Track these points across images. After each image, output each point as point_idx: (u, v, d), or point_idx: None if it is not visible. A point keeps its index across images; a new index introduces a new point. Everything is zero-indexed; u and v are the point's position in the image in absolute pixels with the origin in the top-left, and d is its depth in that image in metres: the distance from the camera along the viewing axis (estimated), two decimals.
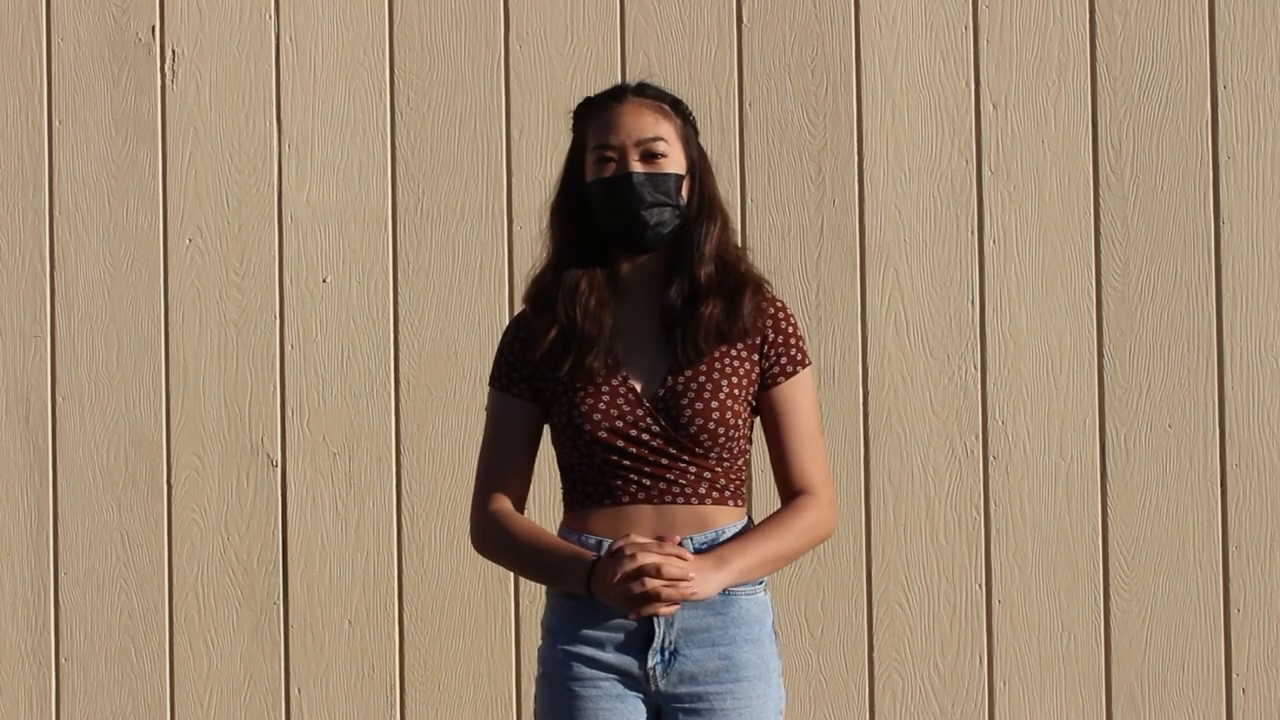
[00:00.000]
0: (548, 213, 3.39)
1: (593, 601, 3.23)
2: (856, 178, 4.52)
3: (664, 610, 3.16)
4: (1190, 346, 4.48)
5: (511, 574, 4.45)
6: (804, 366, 3.35)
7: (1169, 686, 4.46)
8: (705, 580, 3.18)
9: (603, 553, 3.21)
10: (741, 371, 3.30)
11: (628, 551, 3.15)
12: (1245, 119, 4.50)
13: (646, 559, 3.13)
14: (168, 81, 4.58)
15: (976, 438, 4.48)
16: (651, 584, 3.13)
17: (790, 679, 4.41)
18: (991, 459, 4.48)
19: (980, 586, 4.48)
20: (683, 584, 3.14)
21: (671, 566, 3.14)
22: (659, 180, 3.28)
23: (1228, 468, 4.47)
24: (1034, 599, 4.47)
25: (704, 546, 3.25)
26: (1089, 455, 4.48)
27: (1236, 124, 4.50)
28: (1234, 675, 4.46)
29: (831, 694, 4.47)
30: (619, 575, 3.13)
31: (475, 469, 3.39)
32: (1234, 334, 4.48)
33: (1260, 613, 4.46)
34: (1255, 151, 4.50)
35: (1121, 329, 4.49)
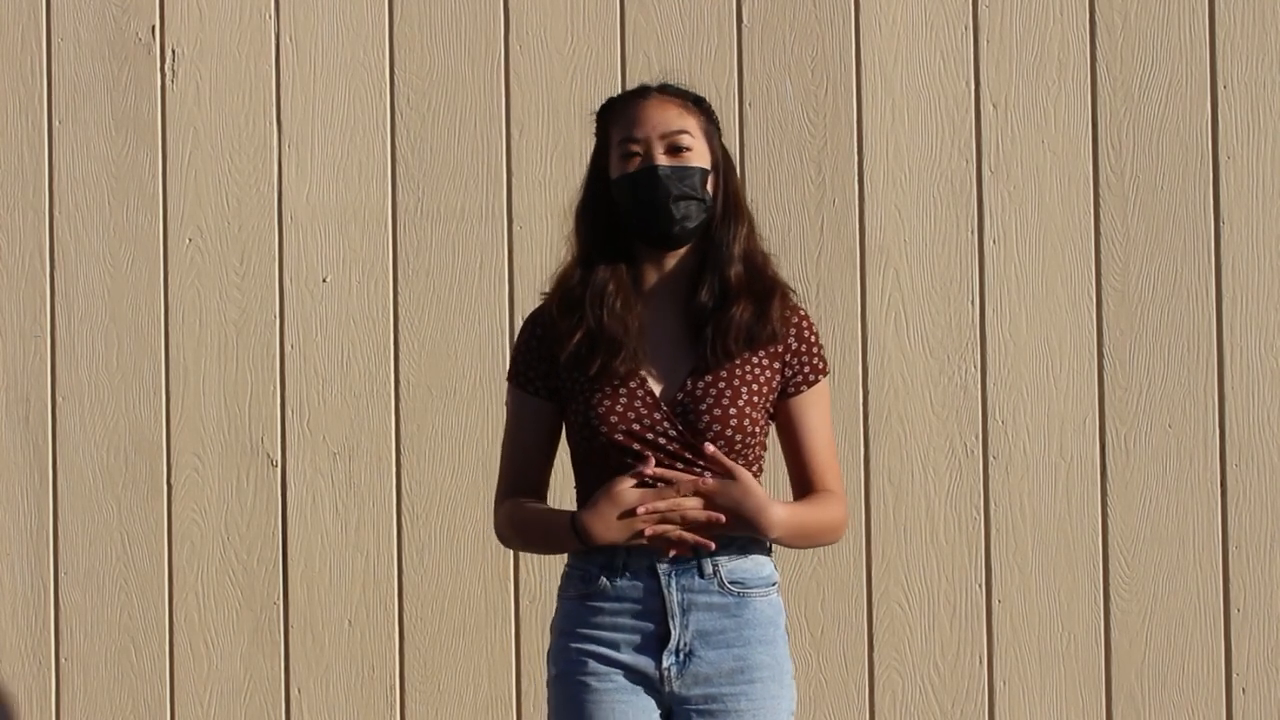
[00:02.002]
0: (572, 215, 3.38)
1: (608, 604, 3.23)
2: (856, 178, 4.52)
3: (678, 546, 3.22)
4: (1190, 346, 4.48)
5: (512, 574, 4.46)
6: (824, 375, 3.35)
7: (1169, 686, 4.46)
8: (769, 510, 3.20)
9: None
10: (763, 379, 3.29)
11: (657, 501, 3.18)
12: (1245, 119, 4.50)
13: (685, 502, 3.18)
14: (168, 81, 4.58)
15: (976, 438, 4.48)
16: (666, 529, 3.18)
17: None
18: (991, 459, 4.48)
19: (980, 586, 4.48)
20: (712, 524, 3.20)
21: (696, 513, 3.20)
22: (684, 173, 3.26)
23: (1228, 468, 4.47)
24: (1034, 599, 4.47)
25: (718, 551, 3.25)
26: (1089, 455, 4.48)
27: (1236, 124, 4.50)
28: (1234, 675, 4.46)
29: (831, 694, 4.47)
30: (651, 508, 3.17)
31: (488, 466, 3.40)
32: (1234, 334, 4.48)
33: (1260, 613, 4.46)
34: (1255, 151, 4.50)
35: (1121, 329, 4.49)
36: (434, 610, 4.50)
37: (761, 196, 4.51)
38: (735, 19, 4.55)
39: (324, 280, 4.55)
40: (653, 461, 3.20)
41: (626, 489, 3.18)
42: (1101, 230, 4.50)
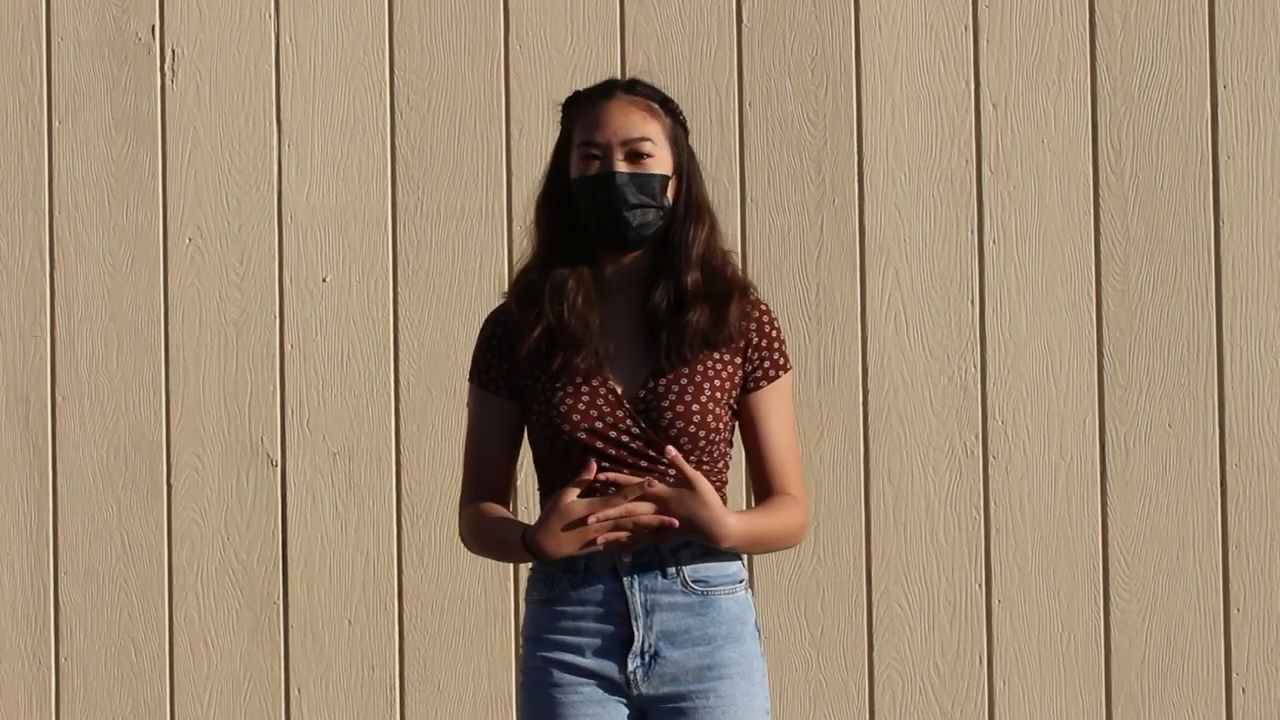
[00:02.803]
0: (533, 207, 3.37)
1: (571, 607, 3.21)
2: (856, 178, 4.52)
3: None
4: (1190, 346, 4.48)
5: (512, 574, 4.46)
6: (785, 371, 3.30)
7: (1169, 686, 4.46)
8: (724, 523, 3.15)
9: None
10: (724, 375, 3.26)
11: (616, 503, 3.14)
12: (1245, 119, 4.50)
13: (636, 507, 3.13)
14: (168, 81, 4.59)
15: (976, 438, 4.48)
16: (618, 535, 3.13)
17: (790, 679, 4.42)
18: (991, 459, 4.48)
19: (980, 586, 4.48)
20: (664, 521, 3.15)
21: (649, 517, 3.14)
22: (643, 181, 3.23)
23: (1228, 468, 4.47)
24: (1034, 599, 4.47)
25: (680, 548, 3.23)
26: (1089, 455, 4.48)
27: (1236, 124, 4.51)
28: (1234, 675, 4.46)
29: (831, 694, 4.47)
30: (602, 517, 3.11)
31: None
32: (1234, 334, 4.48)
33: (1260, 613, 4.46)
34: (1255, 151, 4.50)
35: (1121, 329, 4.49)
36: (434, 610, 4.50)
37: (761, 196, 4.51)
38: (735, 19, 4.55)
39: (324, 280, 4.55)
40: (594, 468, 3.17)
41: (572, 501, 3.14)
42: (1101, 230, 4.50)
